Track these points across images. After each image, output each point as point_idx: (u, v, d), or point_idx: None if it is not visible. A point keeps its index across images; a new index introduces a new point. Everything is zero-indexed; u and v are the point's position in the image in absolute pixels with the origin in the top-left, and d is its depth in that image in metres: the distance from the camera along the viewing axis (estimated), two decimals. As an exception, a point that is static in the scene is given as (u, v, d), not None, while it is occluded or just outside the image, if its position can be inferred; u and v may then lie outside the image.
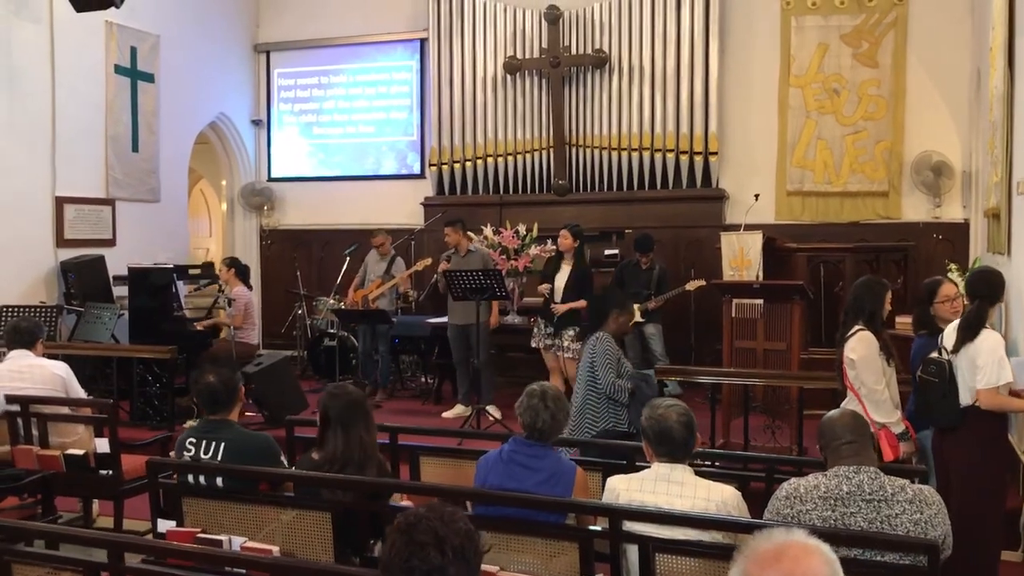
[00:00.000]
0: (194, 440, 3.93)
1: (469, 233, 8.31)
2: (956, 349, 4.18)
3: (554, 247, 8.38)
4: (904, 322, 6.11)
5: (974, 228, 8.91)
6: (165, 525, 3.86)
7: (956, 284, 4.95)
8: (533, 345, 7.65)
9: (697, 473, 3.34)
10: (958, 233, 9.09)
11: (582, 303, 7.35)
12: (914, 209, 9.30)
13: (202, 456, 3.89)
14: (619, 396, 5.31)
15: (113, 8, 7.33)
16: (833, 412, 3.23)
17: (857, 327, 4.53)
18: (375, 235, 9.04)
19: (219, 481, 3.85)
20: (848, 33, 9.38)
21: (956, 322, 4.30)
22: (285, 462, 4.01)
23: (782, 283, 6.96)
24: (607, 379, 5.33)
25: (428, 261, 8.86)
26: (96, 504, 5.72)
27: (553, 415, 3.56)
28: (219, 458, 3.86)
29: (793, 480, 3.13)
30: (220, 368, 4.04)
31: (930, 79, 9.17)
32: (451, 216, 8.39)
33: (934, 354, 4.30)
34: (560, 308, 7.40)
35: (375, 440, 3.83)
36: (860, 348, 4.45)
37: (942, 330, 4.46)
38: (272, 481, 3.87)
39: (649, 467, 3.32)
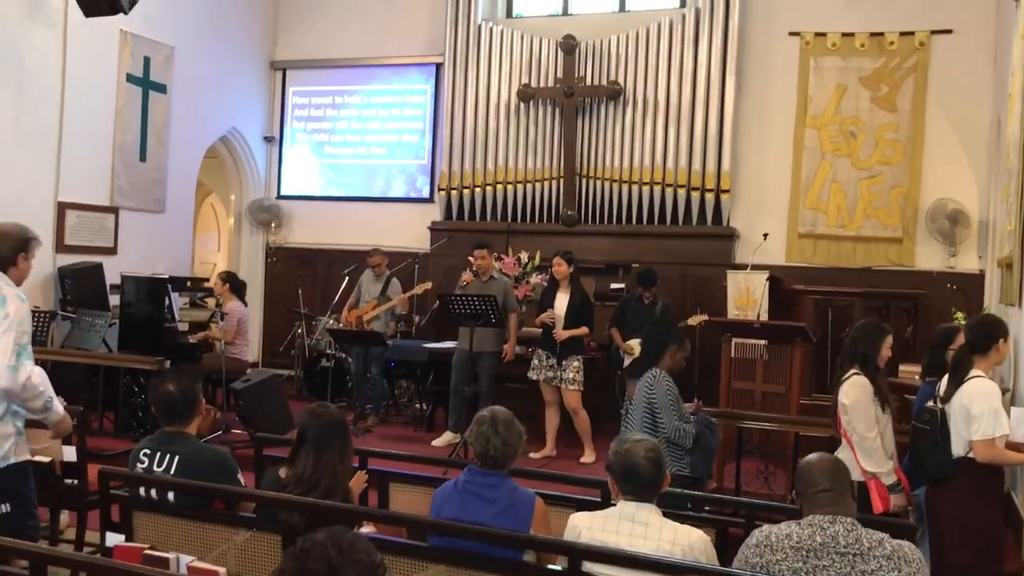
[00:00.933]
0: (148, 452, 3.77)
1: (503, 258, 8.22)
2: (947, 397, 3.97)
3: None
4: (910, 370, 5.88)
5: (989, 279, 8.68)
6: (114, 539, 3.71)
7: None
8: (532, 377, 7.44)
9: (668, 515, 3.15)
10: (973, 284, 8.86)
11: (584, 330, 7.19)
12: (928, 257, 9.08)
13: (155, 469, 3.72)
14: (683, 441, 4.80)
15: (122, 14, 7.28)
16: (813, 456, 3.02)
17: (852, 371, 4.33)
18: (371, 254, 8.89)
19: (171, 496, 3.68)
20: (867, 76, 9.23)
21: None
22: (242, 480, 3.83)
23: (784, 324, 6.76)
24: (670, 423, 4.79)
25: (428, 285, 8.71)
26: (65, 515, 5.56)
27: (505, 440, 3.37)
28: (172, 472, 3.69)
29: (765, 527, 2.93)
30: (182, 377, 3.88)
31: (949, 126, 9.00)
32: (482, 240, 8.23)
33: (930, 403, 4.09)
34: (563, 334, 7.23)
35: (349, 467, 3.65)
36: (853, 392, 4.26)
37: None
38: (226, 499, 3.70)
39: (614, 505, 3.13)
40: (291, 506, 3.52)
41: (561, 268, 7.37)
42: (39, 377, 3.81)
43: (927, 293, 8.50)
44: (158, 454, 3.74)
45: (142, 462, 3.76)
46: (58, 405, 3.97)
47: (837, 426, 4.38)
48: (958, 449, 3.96)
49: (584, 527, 3.09)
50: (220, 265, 13.31)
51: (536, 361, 7.40)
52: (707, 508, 4.51)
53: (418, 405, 9.50)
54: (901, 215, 9.12)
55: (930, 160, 9.09)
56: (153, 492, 3.72)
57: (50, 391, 3.89)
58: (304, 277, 11.15)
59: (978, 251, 8.88)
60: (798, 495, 2.98)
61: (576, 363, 7.17)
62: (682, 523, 3.14)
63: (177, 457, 3.71)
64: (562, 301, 7.37)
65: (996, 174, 8.53)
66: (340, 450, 3.57)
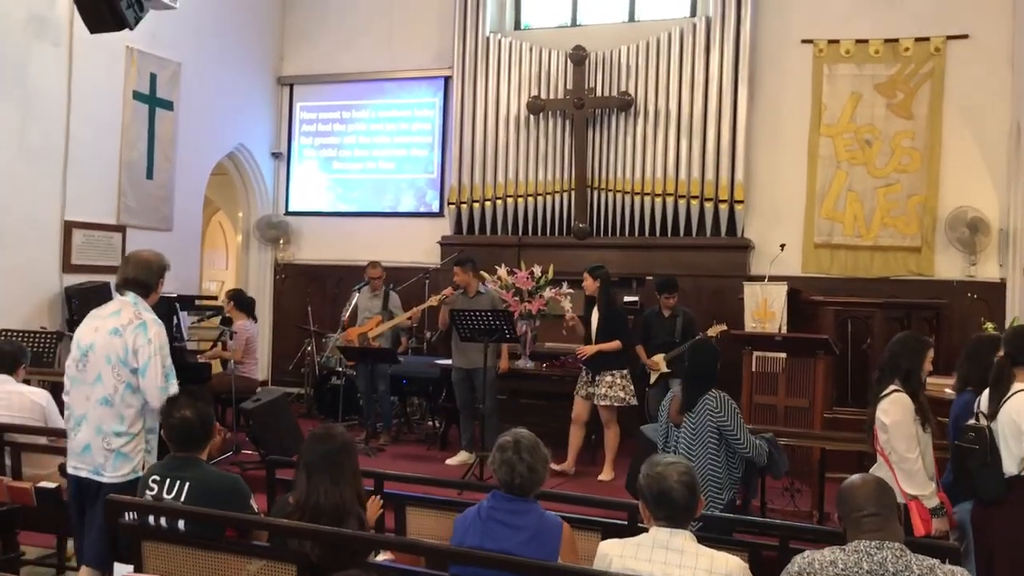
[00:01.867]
0: (157, 478, 3.64)
1: (483, 274, 8.04)
2: (993, 414, 3.79)
3: (569, 290, 8.14)
4: (939, 383, 5.69)
5: (1011, 288, 8.52)
6: (122, 570, 3.57)
7: None
8: (576, 394, 7.33)
9: (700, 540, 3.00)
10: (994, 293, 8.69)
11: (615, 344, 7.06)
12: (947, 266, 8.91)
13: (165, 496, 3.59)
14: (760, 459, 4.58)
15: (128, 31, 7.15)
16: (855, 478, 2.87)
17: (892, 387, 4.15)
18: (373, 266, 8.68)
19: (180, 524, 3.55)
20: (882, 83, 9.09)
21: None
22: (255, 506, 3.69)
23: (806, 336, 6.61)
24: (747, 440, 4.56)
25: (434, 301, 8.55)
26: (72, 542, 5.42)
27: (531, 467, 3.23)
28: (183, 499, 3.57)
29: (807, 553, 2.78)
30: (197, 402, 3.76)
31: (967, 132, 8.84)
32: (464, 256, 8.11)
33: (972, 420, 3.91)
34: (588, 350, 7.11)
35: (358, 491, 3.50)
36: (893, 411, 4.07)
37: None
38: (238, 527, 3.56)
39: (647, 531, 2.98)
40: (304, 534, 3.39)
41: (587, 283, 7.27)
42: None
43: (948, 303, 8.34)
44: (168, 480, 3.62)
45: (151, 489, 3.63)
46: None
47: (873, 444, 4.21)
48: (1010, 467, 3.77)
49: (615, 555, 2.94)
50: (228, 283, 13.21)
51: (581, 377, 7.33)
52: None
53: (431, 423, 9.37)
54: (919, 224, 8.96)
55: (948, 167, 8.93)
56: (163, 520, 3.58)
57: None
58: (313, 294, 11.02)
59: (999, 259, 8.71)
60: (840, 519, 2.83)
61: (609, 378, 7.03)
62: (717, 548, 2.99)
63: (188, 483, 3.58)
64: (595, 317, 7.26)
65: (1017, 180, 8.40)
66: (346, 474, 3.43)
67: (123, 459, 4.04)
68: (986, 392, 3.95)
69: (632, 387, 7.22)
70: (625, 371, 7.19)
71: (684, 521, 2.93)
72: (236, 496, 3.61)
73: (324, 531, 3.32)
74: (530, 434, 3.31)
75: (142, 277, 4.19)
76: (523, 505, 3.18)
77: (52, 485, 4.89)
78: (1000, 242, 8.67)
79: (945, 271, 8.91)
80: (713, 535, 3.46)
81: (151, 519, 3.59)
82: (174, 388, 4.10)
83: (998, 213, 8.71)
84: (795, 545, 3.59)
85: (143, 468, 4.02)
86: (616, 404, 7.10)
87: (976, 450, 3.77)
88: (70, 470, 4.15)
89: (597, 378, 7.11)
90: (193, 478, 3.60)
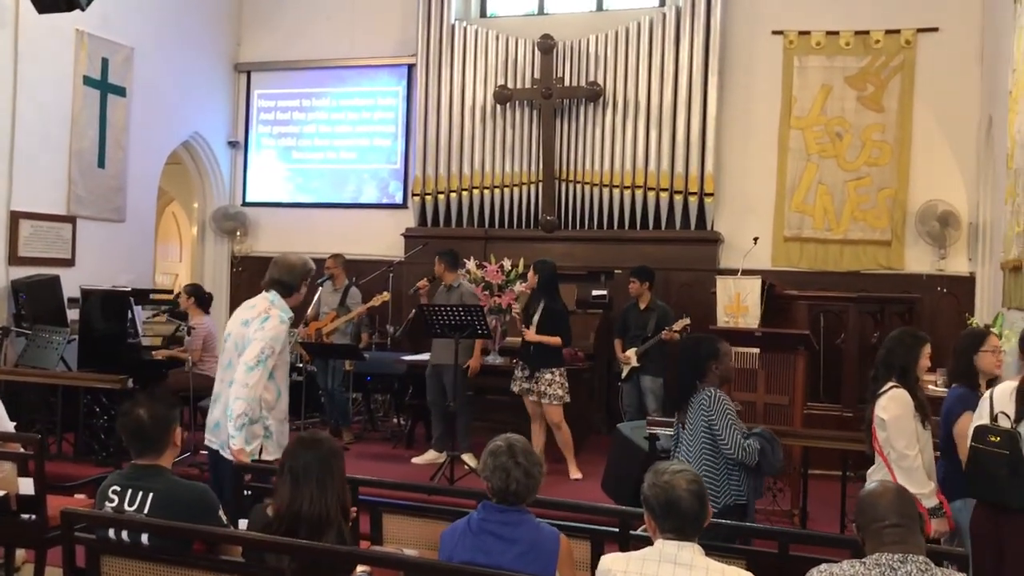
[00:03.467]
0: (118, 488, 3.37)
1: (463, 270, 7.83)
2: (1020, 418, 3.66)
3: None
4: (927, 379, 5.57)
5: (980, 282, 8.51)
6: (79, 588, 3.31)
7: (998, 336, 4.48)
8: (513, 390, 7.07)
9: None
10: (963, 287, 8.68)
11: (555, 340, 6.81)
12: (917, 260, 8.89)
13: (126, 508, 3.33)
14: (750, 459, 4.20)
15: (79, 11, 6.79)
16: (875, 487, 2.71)
17: (890, 384, 4.03)
18: (332, 258, 8.38)
19: (144, 538, 3.29)
20: (853, 75, 9.03)
21: (1007, 385, 3.78)
22: (224, 517, 3.44)
23: (786, 332, 6.47)
24: (733, 440, 4.20)
25: (386, 296, 8.31)
26: (22, 552, 5.11)
27: (527, 472, 3.03)
28: (146, 510, 3.30)
29: (824, 567, 2.61)
30: (154, 402, 3.48)
31: (937, 126, 8.81)
32: (445, 248, 7.85)
33: (993, 421, 3.72)
34: (530, 335, 6.83)
35: (343, 502, 3.26)
36: (892, 407, 3.95)
37: (980, 384, 3.98)
38: (207, 540, 3.31)
39: (652, 544, 2.79)
40: (279, 548, 3.15)
41: (530, 277, 7.04)
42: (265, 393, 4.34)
43: (921, 297, 8.29)
44: (129, 491, 3.35)
45: (111, 500, 3.36)
46: (245, 438, 4.29)
47: (872, 443, 4.07)
48: None
49: (619, 571, 2.74)
50: (182, 276, 12.82)
51: (517, 372, 7.02)
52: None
53: (395, 420, 9.13)
54: (889, 217, 8.91)
55: (918, 161, 8.90)
56: (124, 534, 3.32)
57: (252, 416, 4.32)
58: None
59: (968, 253, 8.70)
60: (859, 529, 2.67)
61: (549, 375, 6.76)
62: (715, 558, 2.82)
63: (151, 494, 3.32)
64: (538, 312, 7.02)
65: (987, 175, 8.38)
66: (332, 482, 3.19)
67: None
68: (1000, 389, 3.80)
69: (567, 384, 6.96)
70: (563, 369, 6.93)
71: (693, 533, 2.75)
72: (203, 507, 3.35)
73: (301, 545, 3.08)
74: (521, 438, 3.11)
75: (285, 279, 4.58)
76: (516, 516, 2.98)
77: (0, 493, 4.59)
78: (970, 236, 8.66)
79: (915, 265, 8.88)
80: (713, 543, 3.28)
81: (111, 533, 3.33)
82: (255, 376, 4.29)
83: (967, 207, 8.70)
84: (795, 555, 3.44)
85: (260, 453, 4.34)
86: (561, 403, 6.85)
87: (1006, 456, 3.60)
88: (206, 442, 4.64)
89: (537, 375, 6.86)
90: (157, 488, 3.33)
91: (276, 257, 4.74)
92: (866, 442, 4.17)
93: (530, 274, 7.09)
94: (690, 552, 2.72)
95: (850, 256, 9.04)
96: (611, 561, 2.81)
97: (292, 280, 4.58)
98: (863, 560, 2.56)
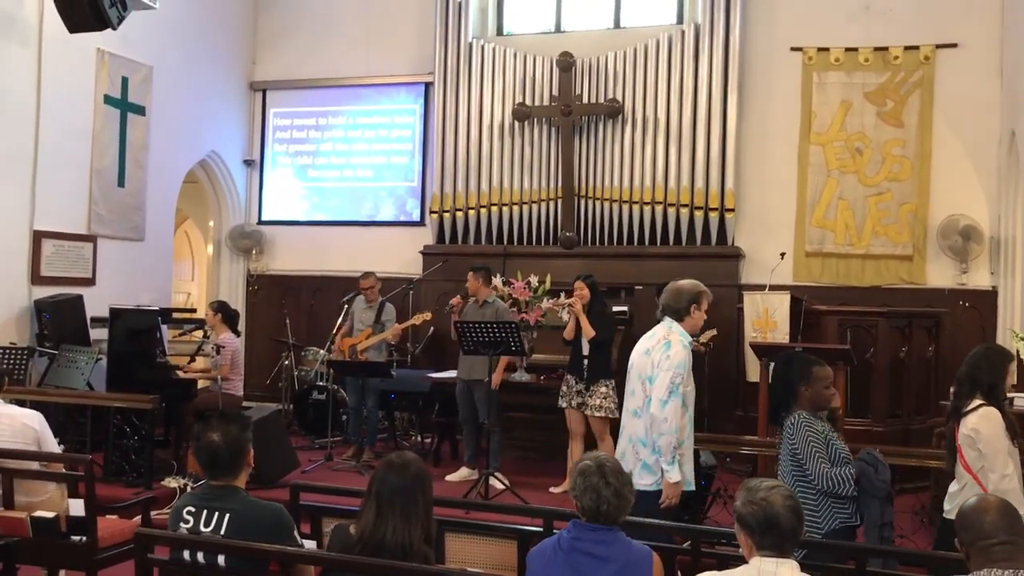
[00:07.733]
0: (193, 509, 3.33)
1: (496, 284, 7.82)
2: None
3: (567, 300, 7.91)
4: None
5: (1003, 296, 8.54)
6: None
7: None
8: (561, 405, 6.95)
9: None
10: (985, 301, 8.71)
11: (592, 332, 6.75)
12: (939, 275, 8.91)
13: (202, 528, 3.29)
14: (840, 489, 4.02)
15: (111, 29, 6.81)
16: (978, 502, 2.69)
17: (978, 401, 3.99)
18: (365, 277, 8.32)
19: (220, 560, 3.25)
20: (872, 91, 9.07)
21: None
22: (299, 538, 3.41)
23: (826, 347, 6.47)
24: (819, 472, 4.03)
25: (428, 316, 8.24)
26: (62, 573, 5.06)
27: (617, 492, 3.00)
28: (223, 531, 3.26)
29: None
30: (227, 425, 3.43)
31: (958, 140, 8.86)
32: (479, 263, 7.84)
33: None
34: (587, 329, 6.72)
35: (428, 532, 3.18)
36: (986, 427, 3.90)
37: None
38: (284, 561, 3.27)
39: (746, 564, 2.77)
40: (359, 569, 3.11)
41: (580, 290, 7.01)
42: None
43: (948, 312, 8.31)
44: (204, 512, 3.31)
45: (187, 521, 3.31)
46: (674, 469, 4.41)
47: (956, 459, 4.03)
48: None
49: (719, 589, 2.72)
50: (195, 295, 12.79)
51: (564, 387, 6.92)
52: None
53: (417, 438, 9.10)
54: (911, 232, 8.94)
55: (938, 176, 8.93)
56: (200, 555, 3.28)
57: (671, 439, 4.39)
58: (288, 305, 10.64)
59: (990, 267, 8.73)
60: (962, 545, 2.66)
61: (604, 388, 6.74)
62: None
63: (228, 515, 3.27)
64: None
65: (1008, 188, 8.43)
66: (412, 511, 3.12)
67: (647, 470, 4.47)
68: None
69: (619, 400, 6.91)
70: (613, 382, 6.90)
71: (791, 549, 2.73)
72: (280, 528, 3.31)
73: (381, 565, 3.05)
74: (611, 457, 3.09)
75: (672, 304, 4.65)
76: (609, 534, 2.96)
77: (50, 515, 4.54)
78: (991, 250, 8.69)
79: (936, 279, 8.90)
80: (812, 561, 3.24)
81: (186, 554, 3.29)
82: (671, 409, 4.38)
83: (988, 221, 8.73)
84: (872, 570, 3.42)
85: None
86: (609, 416, 6.80)
87: None
88: None
89: (592, 388, 6.82)
90: (232, 509, 3.29)
91: (669, 283, 4.78)
92: (947, 459, 4.14)
93: (579, 286, 6.97)
94: (788, 569, 2.70)
95: (872, 271, 9.06)
96: (709, 579, 2.79)
97: (678, 304, 4.63)
98: (970, 576, 2.55)
